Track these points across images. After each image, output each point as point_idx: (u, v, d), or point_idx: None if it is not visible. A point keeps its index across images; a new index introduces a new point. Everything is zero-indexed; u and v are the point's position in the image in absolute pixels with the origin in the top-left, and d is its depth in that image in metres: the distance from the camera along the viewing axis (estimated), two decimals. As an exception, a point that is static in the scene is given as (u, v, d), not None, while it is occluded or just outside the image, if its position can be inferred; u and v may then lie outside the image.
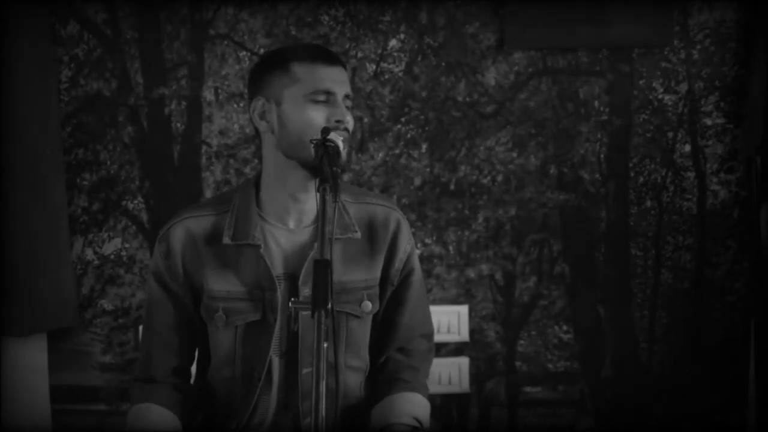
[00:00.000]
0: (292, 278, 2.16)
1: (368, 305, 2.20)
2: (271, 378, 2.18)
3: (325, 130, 2.07)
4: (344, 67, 2.18)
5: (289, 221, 2.19)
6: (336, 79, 2.13)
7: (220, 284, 2.17)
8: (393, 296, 2.26)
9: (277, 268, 2.16)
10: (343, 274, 2.16)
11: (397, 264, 2.24)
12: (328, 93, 2.12)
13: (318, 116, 2.10)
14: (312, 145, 2.07)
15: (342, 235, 2.17)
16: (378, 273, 2.22)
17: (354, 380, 2.23)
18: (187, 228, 2.20)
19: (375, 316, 2.25)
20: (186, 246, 2.19)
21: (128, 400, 2.26)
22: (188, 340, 2.24)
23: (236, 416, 2.20)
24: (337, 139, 2.07)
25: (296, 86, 2.13)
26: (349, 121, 2.13)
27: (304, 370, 2.15)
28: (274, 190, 2.18)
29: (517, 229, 3.52)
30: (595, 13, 3.43)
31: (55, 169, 3.23)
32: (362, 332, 2.22)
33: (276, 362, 2.18)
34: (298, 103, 2.12)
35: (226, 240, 2.16)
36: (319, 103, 2.11)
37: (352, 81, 3.39)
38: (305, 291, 2.13)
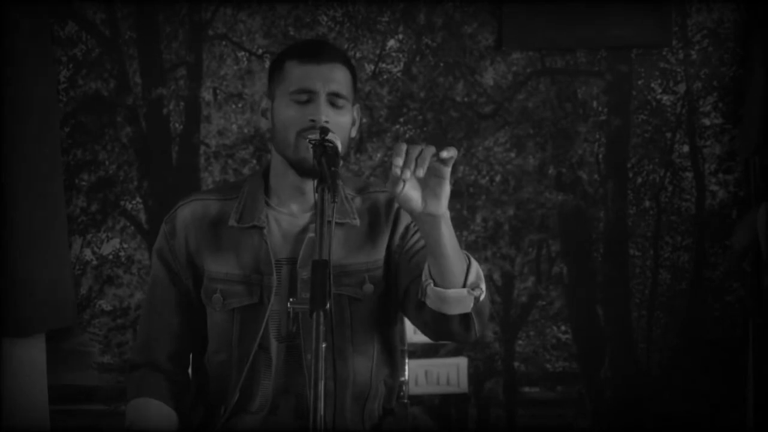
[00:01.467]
0: (293, 263, 2.18)
1: (370, 287, 2.20)
2: (270, 362, 2.18)
3: (324, 130, 2.07)
4: (342, 63, 2.17)
5: (293, 207, 2.21)
6: (320, 77, 2.13)
7: (220, 266, 2.19)
8: (407, 266, 2.21)
9: (280, 253, 2.18)
10: (343, 257, 2.17)
11: (398, 240, 2.22)
12: (310, 92, 2.12)
13: (294, 116, 2.12)
14: (310, 146, 2.07)
15: (341, 220, 2.18)
16: (380, 255, 2.21)
17: (362, 366, 2.23)
18: (193, 209, 2.23)
19: (381, 298, 2.22)
20: (190, 227, 2.22)
21: (126, 400, 2.25)
22: (187, 324, 2.24)
23: (226, 401, 2.20)
24: (336, 139, 2.08)
25: (283, 84, 2.15)
26: (329, 121, 2.10)
27: (309, 356, 2.15)
28: (280, 181, 2.21)
29: (516, 229, 3.52)
30: (594, 13, 3.43)
31: (53, 170, 3.23)
32: (365, 315, 2.21)
33: (275, 346, 2.18)
34: (284, 101, 2.15)
35: (232, 222, 2.19)
36: (300, 103, 2.12)
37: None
38: (303, 274, 2.15)
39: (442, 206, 1.93)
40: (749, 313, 3.53)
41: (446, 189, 1.92)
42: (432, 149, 1.86)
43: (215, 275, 2.20)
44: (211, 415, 2.25)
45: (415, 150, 1.85)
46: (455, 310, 2.04)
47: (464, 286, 2.02)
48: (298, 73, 2.14)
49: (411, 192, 1.91)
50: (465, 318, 2.05)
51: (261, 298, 2.17)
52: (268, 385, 2.19)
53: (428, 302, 2.05)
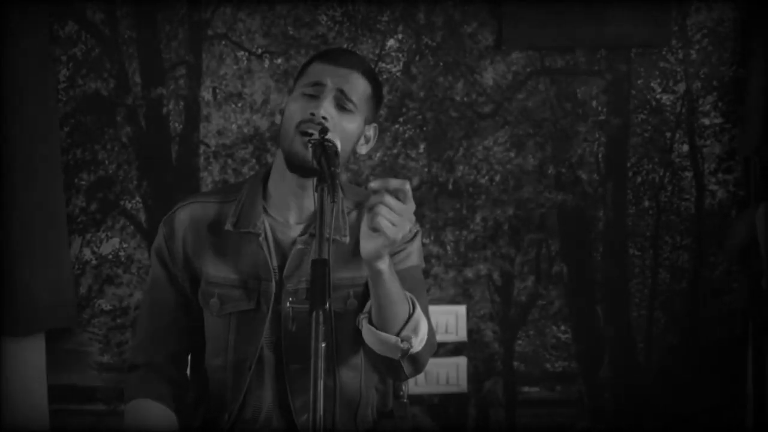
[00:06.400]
0: (280, 272, 2.17)
1: (354, 303, 2.20)
2: (263, 372, 2.18)
3: (324, 130, 2.07)
4: (362, 74, 2.17)
5: (290, 216, 2.20)
6: (332, 74, 2.13)
7: (218, 270, 2.18)
8: None
9: (274, 260, 2.17)
10: (331, 271, 2.16)
11: None
12: (318, 84, 2.13)
13: (297, 108, 2.12)
14: (310, 145, 2.07)
15: (332, 235, 2.17)
16: (365, 271, 2.21)
17: (350, 377, 2.23)
18: (192, 212, 2.22)
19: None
20: (188, 230, 2.21)
21: (125, 401, 2.24)
22: (186, 325, 2.24)
23: (228, 408, 2.20)
24: (336, 138, 2.07)
25: (300, 80, 2.17)
26: (327, 119, 2.09)
27: (292, 366, 2.15)
28: (279, 185, 2.20)
29: (515, 228, 3.52)
30: (593, 13, 3.43)
31: (53, 169, 3.23)
32: (350, 329, 2.20)
33: (268, 356, 2.18)
34: (295, 95, 2.16)
35: (228, 227, 2.18)
36: (308, 96, 2.13)
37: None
38: (289, 285, 2.15)
39: (374, 252, 1.96)
40: (749, 312, 3.53)
41: (378, 241, 1.95)
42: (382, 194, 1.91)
43: (213, 279, 2.19)
44: (213, 418, 2.25)
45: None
46: (383, 352, 2.09)
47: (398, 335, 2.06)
48: (315, 70, 2.16)
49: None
50: (394, 362, 2.10)
51: (258, 304, 2.17)
52: (261, 395, 2.19)
53: (363, 334, 2.11)
